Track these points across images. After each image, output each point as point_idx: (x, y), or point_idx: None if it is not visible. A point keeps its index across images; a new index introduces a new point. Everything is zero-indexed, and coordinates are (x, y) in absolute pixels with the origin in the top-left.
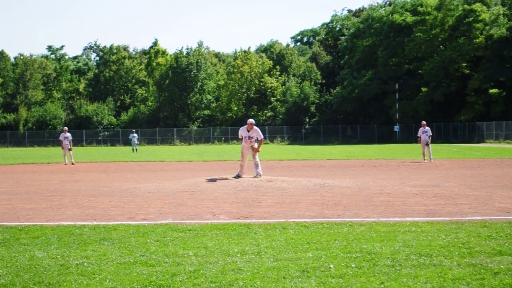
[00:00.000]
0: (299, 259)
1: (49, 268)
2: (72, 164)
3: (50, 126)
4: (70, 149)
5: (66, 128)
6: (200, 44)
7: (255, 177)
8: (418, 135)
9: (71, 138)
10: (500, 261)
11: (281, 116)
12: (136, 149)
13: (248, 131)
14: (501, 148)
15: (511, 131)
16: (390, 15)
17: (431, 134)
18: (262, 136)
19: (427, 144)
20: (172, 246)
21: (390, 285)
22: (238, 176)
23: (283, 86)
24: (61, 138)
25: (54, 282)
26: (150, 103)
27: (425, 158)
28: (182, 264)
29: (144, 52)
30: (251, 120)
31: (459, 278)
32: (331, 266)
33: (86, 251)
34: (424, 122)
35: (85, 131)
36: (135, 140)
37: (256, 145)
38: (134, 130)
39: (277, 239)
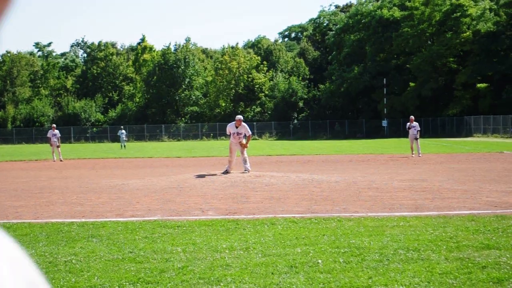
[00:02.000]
0: (287, 255)
1: (37, 266)
2: (61, 161)
3: (38, 123)
4: (58, 146)
5: (54, 125)
6: (187, 40)
7: (243, 172)
8: (407, 128)
9: (59, 135)
10: (488, 255)
11: (269, 112)
12: (125, 146)
13: (237, 127)
14: (489, 142)
15: (499, 125)
16: (378, 9)
17: (419, 129)
18: (250, 132)
19: (415, 139)
20: (161, 242)
21: (378, 280)
22: (226, 172)
23: (271, 82)
24: (49, 135)
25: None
26: (137, 100)
27: (413, 152)
28: (170, 260)
29: (132, 49)
30: (239, 116)
31: (446, 272)
32: (319, 261)
33: (75, 248)
34: (412, 117)
35: (73, 128)
36: (124, 136)
37: (244, 141)
38: (122, 127)
39: (265, 234)
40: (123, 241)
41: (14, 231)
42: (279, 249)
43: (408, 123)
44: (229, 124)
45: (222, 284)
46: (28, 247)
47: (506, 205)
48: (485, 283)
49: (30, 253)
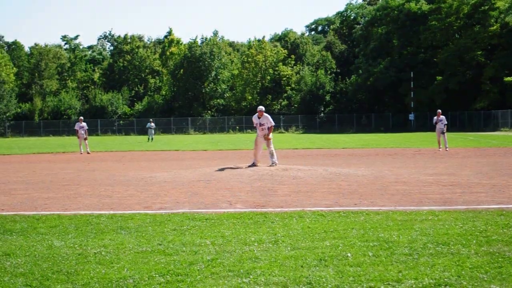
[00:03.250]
0: (316, 248)
1: (67, 257)
2: (88, 153)
3: (65, 116)
4: (85, 139)
5: (81, 117)
6: (215, 34)
7: (270, 166)
8: (434, 122)
9: (87, 127)
10: None
11: (296, 105)
12: (152, 138)
13: (259, 118)
14: None
15: None
16: (406, 3)
17: (446, 122)
18: (273, 123)
19: (442, 133)
20: (189, 235)
21: (408, 274)
22: (253, 165)
23: (298, 75)
24: (76, 127)
25: (72, 271)
26: (163, 92)
27: (440, 146)
28: (199, 253)
29: (159, 42)
30: (261, 107)
31: (477, 267)
32: (349, 254)
33: (104, 240)
34: (439, 111)
35: (100, 121)
36: (152, 129)
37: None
38: (151, 120)
39: (294, 228)
40: (152, 233)
41: (43, 223)
42: (308, 242)
43: (435, 117)
44: (254, 115)
45: (251, 276)
46: (58, 238)
47: None
48: None
49: (60, 244)
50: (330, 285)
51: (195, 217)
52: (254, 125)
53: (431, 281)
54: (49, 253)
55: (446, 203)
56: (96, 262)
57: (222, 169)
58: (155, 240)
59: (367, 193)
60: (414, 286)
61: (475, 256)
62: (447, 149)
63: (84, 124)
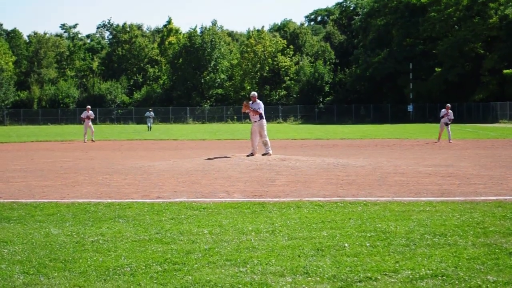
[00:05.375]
0: (313, 238)
1: (65, 245)
2: (93, 141)
3: (63, 105)
4: (90, 127)
5: (89, 106)
6: (214, 23)
7: (263, 155)
8: (441, 115)
9: (93, 116)
10: None
11: (294, 96)
12: (151, 127)
13: (252, 103)
14: None
15: None
16: None
17: (452, 117)
18: (260, 112)
19: (446, 124)
20: (187, 224)
21: (405, 264)
22: (251, 155)
23: (297, 66)
24: (83, 115)
25: (69, 259)
26: (162, 82)
27: (440, 139)
28: (197, 242)
29: (158, 31)
30: (254, 93)
31: (474, 258)
32: (346, 245)
33: (101, 228)
34: (448, 105)
35: (99, 109)
36: (151, 118)
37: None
38: (150, 109)
39: (291, 217)
40: (149, 222)
41: (41, 211)
42: (305, 232)
43: (444, 110)
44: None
45: (248, 266)
46: (55, 226)
47: None
48: None
49: (57, 232)
50: (327, 275)
51: (192, 206)
52: (247, 112)
53: (428, 271)
54: (46, 241)
55: (444, 194)
56: (93, 250)
57: (220, 159)
58: (152, 229)
59: (365, 183)
60: (411, 276)
61: (472, 247)
62: (451, 141)
63: (91, 112)
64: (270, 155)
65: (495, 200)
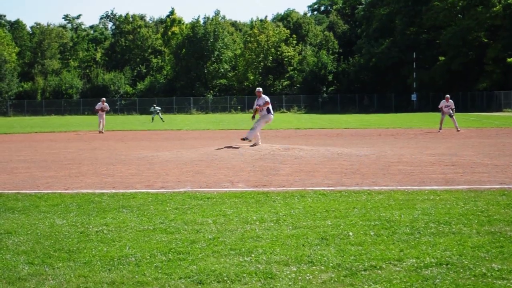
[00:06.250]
0: (318, 227)
1: (69, 235)
2: (102, 132)
3: (66, 95)
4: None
5: (104, 98)
6: (217, 13)
7: (241, 139)
8: (440, 106)
9: (108, 108)
10: None
11: (298, 85)
12: (153, 119)
13: (258, 99)
14: None
15: None
16: None
17: (453, 107)
18: (264, 102)
19: (450, 116)
20: (191, 213)
21: (409, 253)
22: (255, 145)
23: (300, 55)
24: (97, 107)
25: (74, 249)
26: (165, 72)
27: (441, 128)
28: (201, 231)
29: (161, 21)
30: (258, 88)
31: (478, 246)
32: (350, 234)
33: (106, 218)
34: (447, 96)
35: None
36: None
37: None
38: (155, 104)
39: (295, 207)
40: (154, 212)
41: (45, 201)
42: (310, 222)
43: (443, 101)
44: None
45: (253, 255)
46: (60, 217)
47: None
48: None
49: (62, 223)
50: (331, 264)
51: (197, 196)
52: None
53: (432, 260)
54: (51, 231)
55: (448, 183)
56: (98, 241)
57: (224, 149)
58: (156, 218)
59: (369, 172)
60: (415, 265)
61: (477, 235)
62: (459, 130)
63: (106, 104)
64: (249, 141)
65: (500, 188)
